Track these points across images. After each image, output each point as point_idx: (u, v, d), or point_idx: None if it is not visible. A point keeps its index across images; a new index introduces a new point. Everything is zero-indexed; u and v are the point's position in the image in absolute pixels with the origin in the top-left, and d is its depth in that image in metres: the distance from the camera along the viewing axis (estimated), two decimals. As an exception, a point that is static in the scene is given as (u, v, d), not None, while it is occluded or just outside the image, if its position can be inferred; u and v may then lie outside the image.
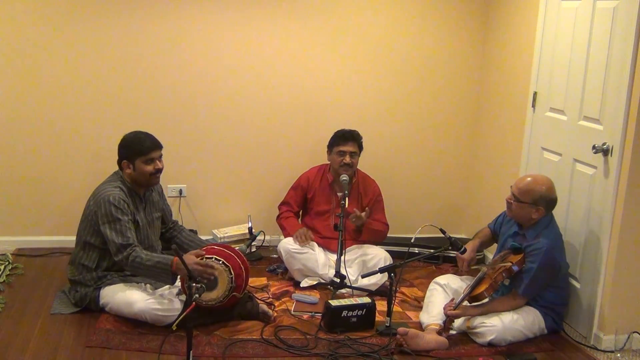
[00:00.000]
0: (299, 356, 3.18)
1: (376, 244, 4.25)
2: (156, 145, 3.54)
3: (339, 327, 3.41)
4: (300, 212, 4.38)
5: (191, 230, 4.46)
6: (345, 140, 4.15)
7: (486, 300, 3.41)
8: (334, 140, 4.20)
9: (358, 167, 4.27)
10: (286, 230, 4.21)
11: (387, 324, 3.42)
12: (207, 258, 3.31)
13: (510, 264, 3.36)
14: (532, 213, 3.42)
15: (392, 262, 3.92)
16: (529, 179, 3.48)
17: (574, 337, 3.56)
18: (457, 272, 3.83)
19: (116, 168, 3.57)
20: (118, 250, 3.32)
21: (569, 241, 3.69)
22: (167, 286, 3.45)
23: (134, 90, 4.39)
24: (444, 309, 3.39)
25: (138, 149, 3.47)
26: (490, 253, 4.36)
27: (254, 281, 3.99)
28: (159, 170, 3.55)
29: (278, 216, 4.32)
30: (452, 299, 3.43)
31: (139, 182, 3.54)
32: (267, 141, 4.64)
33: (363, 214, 4.04)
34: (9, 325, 3.31)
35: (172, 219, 3.90)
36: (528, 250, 3.39)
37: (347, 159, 4.12)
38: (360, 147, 4.22)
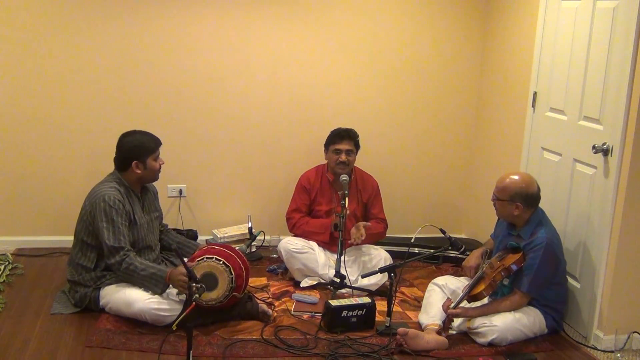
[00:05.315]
0: (299, 356, 3.18)
1: (376, 243, 4.25)
2: (160, 141, 3.63)
3: (339, 327, 3.41)
4: None
5: (190, 230, 4.48)
6: (341, 138, 4.14)
7: (485, 299, 3.41)
8: (330, 139, 4.19)
9: (355, 164, 4.25)
10: (316, 233, 4.10)
11: (387, 324, 3.42)
12: (207, 258, 3.31)
13: (509, 263, 3.36)
14: (512, 210, 3.45)
15: (392, 262, 3.92)
16: (506, 176, 3.52)
17: (573, 337, 3.56)
18: (456, 273, 3.82)
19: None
20: (110, 252, 3.34)
21: (569, 241, 3.69)
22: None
23: (134, 90, 4.39)
24: (443, 306, 3.38)
25: (150, 148, 3.55)
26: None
27: (254, 281, 3.99)
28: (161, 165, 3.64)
29: (293, 225, 4.19)
30: (449, 299, 3.43)
31: (146, 180, 3.59)
32: (267, 141, 4.64)
33: (362, 230, 4.00)
34: (9, 325, 3.30)
35: (162, 222, 3.90)
36: (528, 248, 3.40)
37: (343, 157, 4.11)
38: (357, 146, 4.21)
